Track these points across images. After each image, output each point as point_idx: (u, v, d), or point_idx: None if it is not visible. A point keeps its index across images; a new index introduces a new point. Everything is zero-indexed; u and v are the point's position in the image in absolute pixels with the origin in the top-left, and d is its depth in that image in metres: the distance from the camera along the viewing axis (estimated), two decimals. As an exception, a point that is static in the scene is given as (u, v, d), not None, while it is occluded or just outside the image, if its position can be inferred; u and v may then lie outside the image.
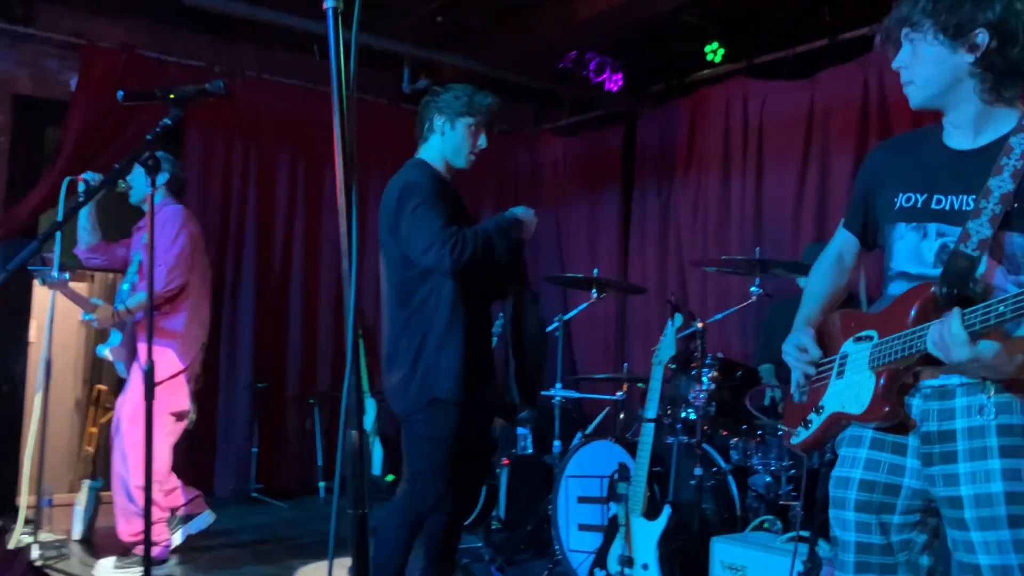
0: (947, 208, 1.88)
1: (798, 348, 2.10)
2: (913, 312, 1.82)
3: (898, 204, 1.96)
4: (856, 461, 1.96)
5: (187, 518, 4.38)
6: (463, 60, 6.05)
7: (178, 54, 5.71)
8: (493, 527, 4.83)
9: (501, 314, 5.19)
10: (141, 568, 3.99)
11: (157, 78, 5.48)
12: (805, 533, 3.11)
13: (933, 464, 1.83)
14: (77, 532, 4.64)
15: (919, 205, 1.92)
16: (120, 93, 2.40)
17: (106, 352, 4.22)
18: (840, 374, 1.98)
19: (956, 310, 1.66)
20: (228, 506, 5.73)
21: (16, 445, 5.34)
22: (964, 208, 1.84)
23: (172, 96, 2.37)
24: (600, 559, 3.53)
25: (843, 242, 2.23)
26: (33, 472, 4.13)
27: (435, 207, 3.00)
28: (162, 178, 4.21)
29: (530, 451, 5.14)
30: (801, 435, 2.06)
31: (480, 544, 4.67)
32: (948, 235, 1.86)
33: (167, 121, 2.37)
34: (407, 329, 3.07)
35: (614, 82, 6.21)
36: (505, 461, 4.91)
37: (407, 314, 3.08)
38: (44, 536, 4.25)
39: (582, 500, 4.13)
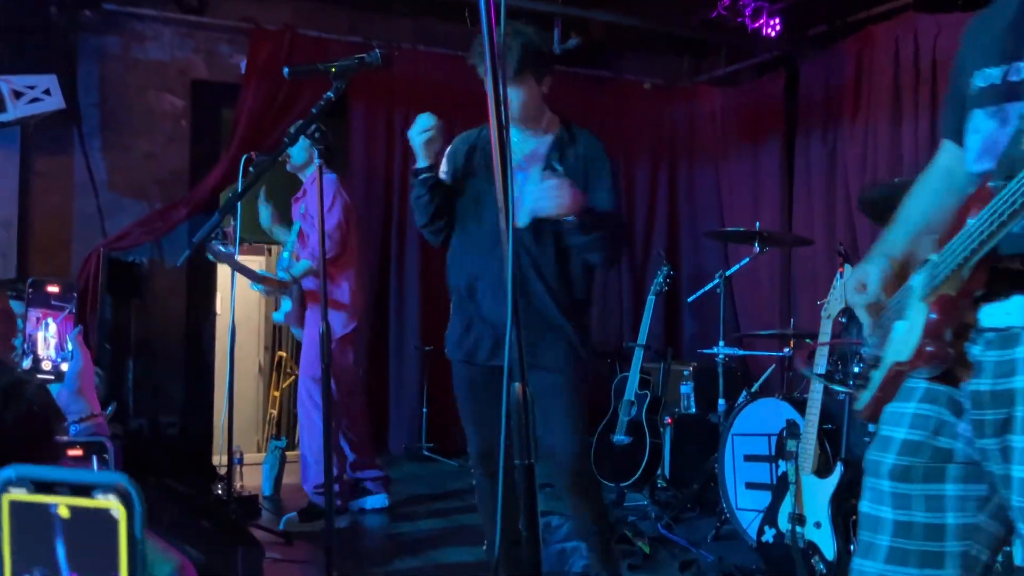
0: None
1: (857, 283, 1.60)
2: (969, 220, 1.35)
3: (975, 87, 1.48)
4: (902, 418, 1.53)
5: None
6: (614, 15, 5.95)
7: (338, 31, 5.91)
8: (659, 486, 4.83)
9: (663, 267, 5.12)
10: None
11: (319, 55, 5.67)
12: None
13: (986, 435, 1.39)
14: (266, 489, 4.96)
15: (997, 82, 1.43)
16: (285, 69, 2.50)
17: (282, 318, 4.48)
18: (901, 314, 1.55)
19: None
20: (401, 464, 5.98)
21: (209, 410, 5.75)
22: None
23: (333, 69, 2.46)
24: (770, 517, 3.46)
25: (947, 156, 1.69)
26: (224, 434, 4.43)
27: None
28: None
29: (693, 410, 5.09)
30: (863, 399, 1.62)
31: (646, 502, 4.69)
32: None
33: (330, 94, 2.46)
34: None
35: (771, 27, 5.96)
36: (668, 420, 4.89)
37: None
38: (236, 493, 4.56)
39: (749, 458, 4.06)
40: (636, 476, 4.80)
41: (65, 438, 1.22)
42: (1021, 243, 1.32)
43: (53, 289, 1.62)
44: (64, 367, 1.60)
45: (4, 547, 0.64)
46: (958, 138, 1.58)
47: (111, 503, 0.62)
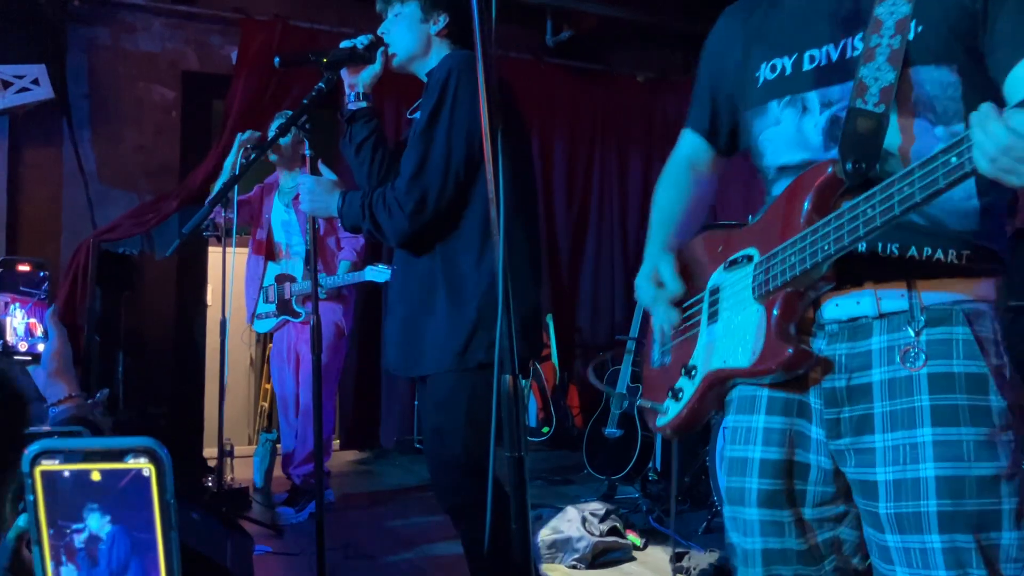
0: (823, 64, 1.35)
1: (652, 281, 1.48)
2: (806, 206, 1.27)
3: (762, 79, 1.43)
4: (752, 434, 1.39)
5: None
6: (605, 7, 5.94)
7: (329, 22, 5.87)
8: (650, 478, 4.83)
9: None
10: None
11: (311, 46, 5.65)
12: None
13: (842, 435, 1.30)
14: (256, 481, 4.95)
15: (788, 72, 1.39)
16: (276, 60, 2.48)
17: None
18: (714, 317, 1.43)
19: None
20: (393, 457, 5.98)
21: (199, 402, 5.73)
22: (849, 55, 1.32)
23: (325, 60, 2.44)
24: (761, 510, 3.46)
25: (691, 148, 1.68)
26: (214, 426, 4.43)
27: None
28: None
29: (686, 403, 5.10)
30: (671, 412, 1.48)
31: (637, 495, 4.69)
32: (837, 101, 1.33)
33: (321, 85, 2.45)
34: None
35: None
36: (660, 413, 4.89)
37: None
38: (227, 485, 4.54)
39: (741, 451, 4.07)
40: (627, 469, 4.81)
41: (43, 428, 1.21)
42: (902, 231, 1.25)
43: (24, 268, 1.61)
44: (41, 348, 1.59)
45: (40, 515, 0.66)
46: (706, 128, 1.64)
47: (142, 464, 0.64)
